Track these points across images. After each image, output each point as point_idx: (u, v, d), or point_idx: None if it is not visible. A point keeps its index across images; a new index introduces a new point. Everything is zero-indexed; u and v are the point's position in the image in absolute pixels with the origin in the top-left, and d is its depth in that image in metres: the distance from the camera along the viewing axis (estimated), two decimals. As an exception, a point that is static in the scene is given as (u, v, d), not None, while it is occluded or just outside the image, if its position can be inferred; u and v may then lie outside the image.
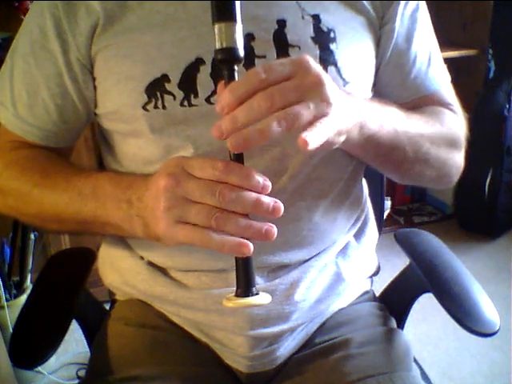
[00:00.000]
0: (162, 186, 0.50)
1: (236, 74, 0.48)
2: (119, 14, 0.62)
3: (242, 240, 0.47)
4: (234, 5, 0.47)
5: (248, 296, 0.48)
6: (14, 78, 0.67)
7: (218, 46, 0.47)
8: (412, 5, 0.71)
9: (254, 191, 0.47)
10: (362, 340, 0.71)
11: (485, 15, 2.16)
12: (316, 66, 0.48)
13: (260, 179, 0.47)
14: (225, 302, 0.49)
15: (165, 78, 0.61)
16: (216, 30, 0.47)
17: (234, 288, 0.50)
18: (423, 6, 0.73)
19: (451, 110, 0.76)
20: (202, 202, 0.48)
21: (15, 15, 1.55)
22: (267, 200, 0.47)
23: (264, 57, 0.62)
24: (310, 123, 0.46)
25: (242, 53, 0.48)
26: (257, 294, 0.49)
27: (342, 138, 0.53)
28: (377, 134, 0.60)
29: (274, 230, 0.47)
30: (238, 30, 0.47)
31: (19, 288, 1.56)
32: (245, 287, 0.49)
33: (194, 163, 0.49)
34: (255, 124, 0.45)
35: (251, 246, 0.47)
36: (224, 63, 0.48)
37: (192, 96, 0.62)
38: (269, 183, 0.48)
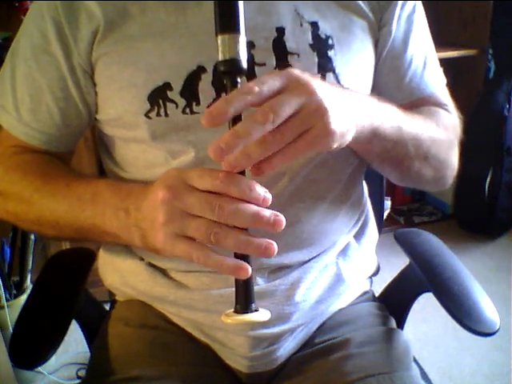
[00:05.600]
0: (160, 198, 0.49)
1: (239, 86, 0.47)
2: (120, 21, 0.62)
3: (239, 263, 0.46)
4: (237, 16, 0.47)
5: (247, 312, 0.48)
6: (16, 82, 0.67)
7: (221, 57, 0.46)
8: (409, 7, 0.71)
9: (255, 204, 0.46)
10: (361, 340, 0.71)
11: (485, 15, 2.16)
12: (303, 75, 0.47)
13: (261, 191, 0.46)
14: (223, 318, 0.48)
15: (167, 86, 0.61)
16: (219, 42, 0.46)
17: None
18: (419, 7, 0.73)
19: (446, 110, 0.76)
20: (201, 215, 0.47)
21: (15, 15, 1.55)
22: (267, 213, 0.46)
23: (264, 64, 0.62)
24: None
25: (245, 64, 0.47)
26: (256, 310, 0.48)
27: (349, 137, 0.52)
28: (381, 127, 0.59)
29: (275, 246, 0.46)
30: (241, 41, 0.46)
31: (19, 288, 1.56)
32: (244, 303, 0.48)
33: (194, 174, 0.48)
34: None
35: (249, 269, 0.46)
36: (227, 75, 0.47)
37: (194, 104, 0.62)
38: (269, 195, 0.46)
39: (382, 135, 0.60)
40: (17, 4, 1.55)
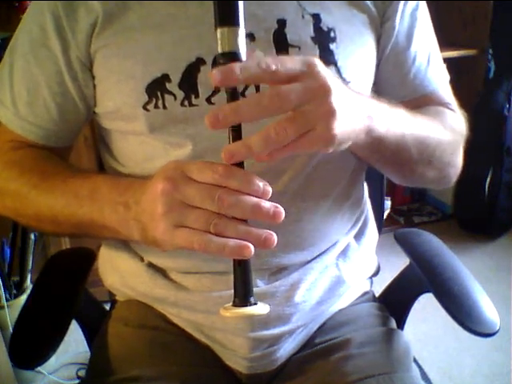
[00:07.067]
0: (160, 189, 0.49)
1: None
2: (119, 13, 0.62)
3: (242, 242, 0.46)
4: (237, 9, 0.47)
5: (246, 306, 0.48)
6: (14, 76, 0.67)
7: (220, 50, 0.46)
8: (412, 3, 0.71)
9: (255, 196, 0.46)
10: (361, 340, 0.71)
11: (485, 15, 2.16)
12: (324, 71, 0.46)
13: (260, 184, 0.46)
14: (222, 312, 0.48)
15: (165, 77, 0.61)
16: (219, 35, 0.46)
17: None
18: (423, 5, 0.73)
19: (450, 109, 0.76)
20: (201, 206, 0.47)
21: (15, 15, 1.55)
22: (267, 205, 0.46)
23: None
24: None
25: (244, 57, 0.47)
26: (255, 303, 0.48)
27: (347, 143, 0.52)
28: (384, 135, 0.58)
29: (274, 237, 0.46)
30: (240, 34, 0.46)
31: (19, 288, 1.56)
32: (243, 297, 0.48)
33: (193, 167, 0.48)
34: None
35: (252, 248, 0.46)
36: None
37: (193, 96, 0.62)
38: (269, 188, 0.46)
39: (383, 144, 0.59)
40: (17, 4, 1.55)
